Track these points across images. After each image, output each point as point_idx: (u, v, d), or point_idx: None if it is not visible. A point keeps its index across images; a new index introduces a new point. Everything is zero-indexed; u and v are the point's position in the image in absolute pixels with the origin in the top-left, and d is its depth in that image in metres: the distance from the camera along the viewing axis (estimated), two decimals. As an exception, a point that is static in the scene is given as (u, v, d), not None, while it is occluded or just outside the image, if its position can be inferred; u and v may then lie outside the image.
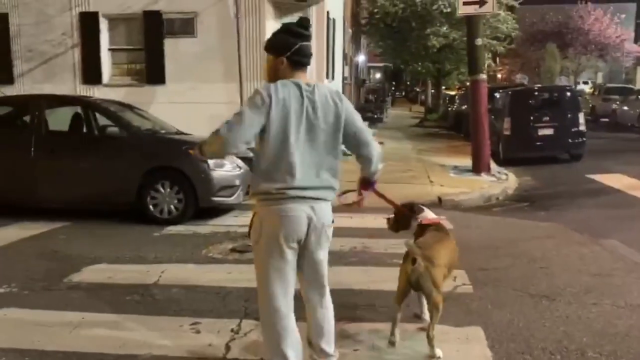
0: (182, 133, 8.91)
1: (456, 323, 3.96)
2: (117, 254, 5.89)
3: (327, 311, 3.12)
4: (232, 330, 3.89)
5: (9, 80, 13.40)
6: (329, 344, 3.12)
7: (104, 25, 13.24)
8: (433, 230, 3.73)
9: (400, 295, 3.51)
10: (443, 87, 32.89)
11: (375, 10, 25.28)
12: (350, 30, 24.96)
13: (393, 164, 11.30)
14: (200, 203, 7.34)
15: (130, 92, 13.11)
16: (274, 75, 2.95)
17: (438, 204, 8.56)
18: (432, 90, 33.03)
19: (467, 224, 7.25)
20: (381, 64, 45.76)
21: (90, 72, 13.27)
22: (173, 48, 12.98)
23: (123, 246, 6.20)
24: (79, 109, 8.00)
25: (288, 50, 2.90)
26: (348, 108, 2.99)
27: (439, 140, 18.51)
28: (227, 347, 3.65)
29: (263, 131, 2.82)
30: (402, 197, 4.86)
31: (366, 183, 3.34)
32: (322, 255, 3.03)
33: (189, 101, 12.65)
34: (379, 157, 3.18)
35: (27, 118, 7.84)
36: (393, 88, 61.67)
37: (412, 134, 20.68)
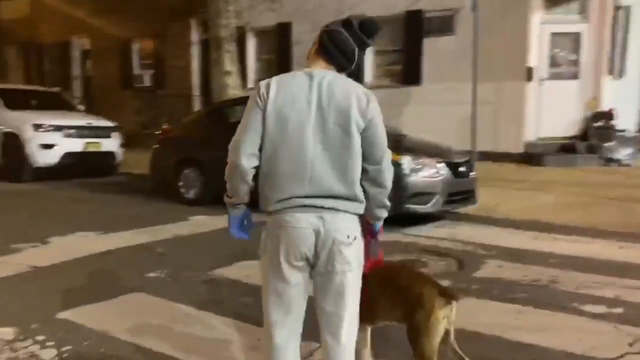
0: (402, 134, 8.47)
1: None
2: None
3: (343, 356, 2.38)
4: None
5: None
6: None
7: (369, 27, 13.48)
8: None
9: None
10: None
11: None
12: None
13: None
14: (392, 209, 6.77)
15: (387, 94, 13.08)
16: (307, 57, 2.44)
17: None
18: None
19: None
20: None
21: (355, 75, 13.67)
22: (431, 47, 12.56)
23: None
24: None
25: (327, 26, 2.39)
26: (374, 116, 2.29)
27: None
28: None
29: (264, 132, 2.27)
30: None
31: (368, 231, 2.54)
32: (338, 281, 2.29)
33: (443, 102, 12.11)
34: (386, 181, 2.40)
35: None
36: None
37: None
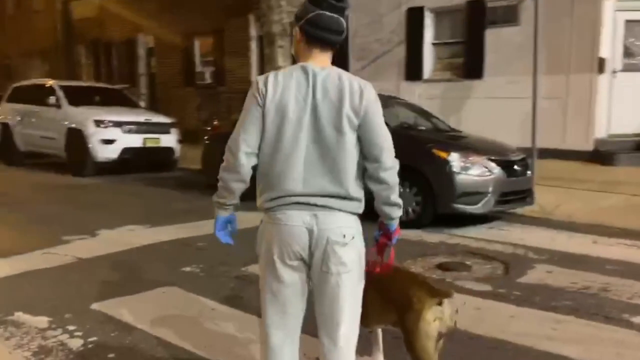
0: (454, 130, 8.20)
1: None
2: None
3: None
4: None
5: (344, 78, 14.54)
6: None
7: (428, 19, 13.15)
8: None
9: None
10: None
11: None
12: None
13: None
14: (439, 208, 6.55)
15: (448, 88, 12.79)
16: (296, 54, 2.29)
17: None
18: None
19: None
20: None
21: (413, 68, 13.38)
22: (494, 39, 12.10)
23: None
24: None
25: (301, 18, 2.21)
26: (369, 109, 2.18)
27: None
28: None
29: (263, 130, 2.19)
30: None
31: (383, 231, 2.40)
32: (333, 283, 2.19)
33: (507, 96, 11.64)
34: (390, 177, 2.24)
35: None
36: None
37: None
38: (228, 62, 17.15)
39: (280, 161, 2.15)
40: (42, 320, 3.87)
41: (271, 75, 2.19)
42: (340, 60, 12.65)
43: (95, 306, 4.13)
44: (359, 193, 2.22)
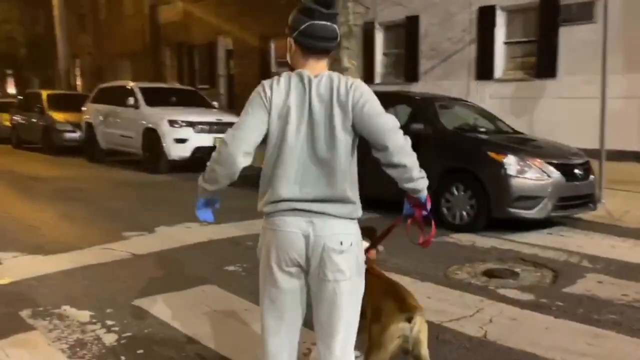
0: (516, 133, 7.93)
1: None
2: (400, 261, 5.25)
3: None
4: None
5: (414, 78, 14.38)
6: None
7: (500, 18, 12.79)
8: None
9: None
10: None
11: None
12: None
13: None
14: (493, 212, 6.36)
15: (519, 87, 12.38)
16: (292, 63, 2.35)
17: None
18: None
19: None
20: None
21: (484, 68, 13.05)
22: (568, 37, 11.60)
23: (401, 253, 5.43)
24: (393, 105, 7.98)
25: (295, 29, 2.26)
26: (358, 104, 2.19)
27: None
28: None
29: (266, 135, 2.24)
30: None
31: (414, 204, 2.40)
32: (331, 290, 2.20)
33: (582, 96, 11.13)
34: (403, 157, 2.20)
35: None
36: None
37: None
38: (302, 63, 17.35)
39: (280, 165, 2.20)
40: (85, 315, 4.10)
41: (274, 82, 2.24)
42: (410, 61, 12.65)
43: (136, 302, 4.34)
44: (355, 196, 2.24)
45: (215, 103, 13.88)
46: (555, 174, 6.32)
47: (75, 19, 27.09)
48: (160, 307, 4.22)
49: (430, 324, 3.53)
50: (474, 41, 13.14)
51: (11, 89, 34.57)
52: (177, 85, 15.68)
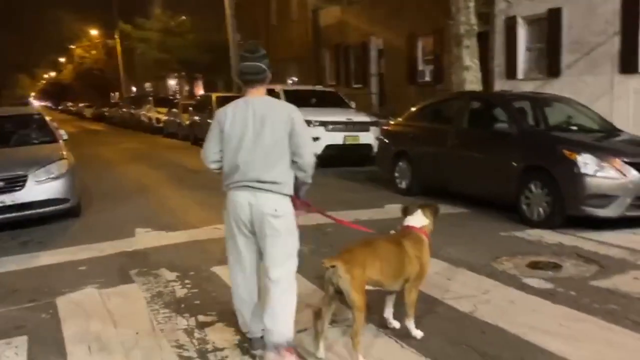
0: (615, 131, 7.77)
1: None
2: (454, 251, 5.77)
3: (270, 302, 3.37)
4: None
5: (555, 73, 14.00)
6: (272, 324, 3.35)
7: (647, 7, 12.01)
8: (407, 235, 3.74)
9: (323, 299, 3.44)
10: None
11: None
12: None
13: None
14: (568, 210, 6.46)
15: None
16: (243, 92, 3.55)
17: None
18: None
19: None
20: None
21: (628, 61, 12.37)
22: None
23: (462, 243, 6.11)
24: (482, 105, 8.33)
25: (237, 73, 3.57)
26: (282, 119, 3.35)
27: None
28: None
29: (223, 142, 3.45)
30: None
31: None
32: (269, 244, 3.36)
33: None
34: (308, 168, 3.43)
35: (452, 113, 8.69)
36: None
37: None
38: (446, 61, 17.62)
39: (233, 161, 3.38)
40: (173, 275, 5.29)
41: (227, 109, 3.44)
42: (552, 55, 12.40)
43: (214, 269, 5.42)
44: (284, 179, 3.36)
45: (352, 103, 14.80)
46: (634, 173, 6.24)
47: (250, 26, 29.77)
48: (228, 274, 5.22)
49: (431, 299, 4.29)
50: (617, 33, 12.47)
51: (200, 92, 38.88)
52: (319, 87, 16.88)
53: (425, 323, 3.95)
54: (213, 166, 3.52)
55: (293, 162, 3.36)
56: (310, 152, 3.40)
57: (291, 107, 3.43)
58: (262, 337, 3.49)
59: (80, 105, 52.39)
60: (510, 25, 15.20)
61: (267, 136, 3.29)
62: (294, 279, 3.46)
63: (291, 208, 3.41)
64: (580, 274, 5.09)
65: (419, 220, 3.81)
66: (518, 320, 3.95)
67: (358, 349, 3.30)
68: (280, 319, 3.33)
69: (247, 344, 3.67)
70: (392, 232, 4.02)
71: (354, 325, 3.30)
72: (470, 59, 11.25)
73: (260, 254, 3.46)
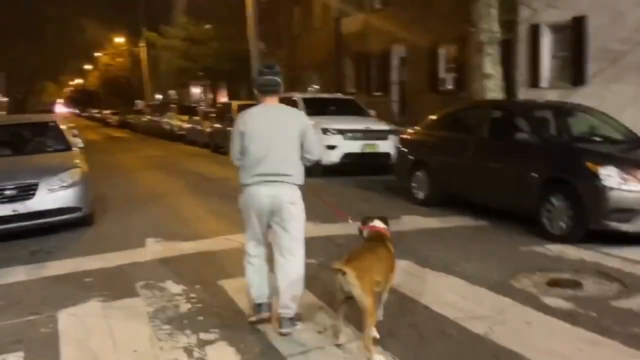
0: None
1: None
2: (470, 267, 5.64)
3: (286, 271, 4.08)
4: None
5: (580, 81, 13.68)
6: (286, 297, 4.07)
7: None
8: (373, 239, 4.09)
9: (337, 303, 3.78)
10: None
11: None
12: None
13: None
14: (590, 224, 6.19)
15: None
16: (258, 99, 4.25)
17: None
18: None
19: None
20: None
21: (656, 70, 12.01)
22: None
23: (479, 259, 5.90)
24: (502, 114, 8.15)
25: (255, 81, 4.21)
26: (293, 123, 4.09)
27: None
28: None
29: (245, 143, 4.08)
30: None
31: None
32: (289, 226, 4.09)
33: None
34: (315, 160, 4.28)
35: (471, 122, 8.47)
36: None
37: None
38: (468, 69, 17.34)
39: (255, 158, 4.02)
40: (178, 288, 5.17)
41: (247, 113, 4.13)
42: (577, 64, 12.09)
43: (220, 282, 5.28)
44: (296, 172, 4.07)
45: (372, 111, 14.61)
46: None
47: (274, 34, 29.82)
48: (234, 289, 5.06)
49: (442, 318, 4.10)
50: (645, 41, 12.15)
51: (224, 99, 39.05)
52: (338, 95, 16.73)
53: (434, 346, 3.76)
54: (237, 163, 4.18)
55: (303, 157, 4.10)
56: (318, 149, 4.25)
57: (300, 113, 4.29)
58: (268, 303, 4.25)
59: (105, 112, 53.03)
60: (534, 33, 14.93)
61: (282, 135, 3.99)
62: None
63: (301, 196, 4.11)
64: (602, 293, 4.84)
65: (379, 224, 4.26)
66: (534, 344, 3.73)
67: (372, 349, 3.49)
68: (297, 285, 4.09)
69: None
70: (365, 234, 4.26)
71: (366, 328, 3.51)
72: (492, 66, 11.01)
73: (268, 229, 4.16)
